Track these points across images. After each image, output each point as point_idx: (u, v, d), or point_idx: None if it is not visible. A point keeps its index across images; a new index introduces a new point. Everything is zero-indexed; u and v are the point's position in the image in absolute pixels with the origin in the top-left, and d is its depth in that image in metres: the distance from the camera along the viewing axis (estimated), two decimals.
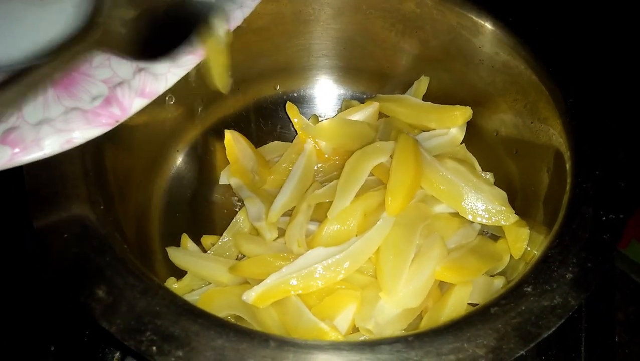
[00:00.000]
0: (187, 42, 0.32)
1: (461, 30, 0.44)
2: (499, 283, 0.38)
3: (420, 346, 0.27)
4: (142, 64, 0.31)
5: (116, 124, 0.30)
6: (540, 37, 0.41)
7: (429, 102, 0.47)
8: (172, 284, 0.40)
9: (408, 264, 0.36)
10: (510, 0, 0.43)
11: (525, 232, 0.38)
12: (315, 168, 0.46)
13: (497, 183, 0.43)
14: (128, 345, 0.27)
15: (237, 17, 0.35)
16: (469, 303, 0.36)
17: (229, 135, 0.45)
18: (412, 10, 0.45)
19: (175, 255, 0.41)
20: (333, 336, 0.33)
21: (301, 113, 0.48)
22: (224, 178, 0.47)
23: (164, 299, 0.28)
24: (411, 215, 0.38)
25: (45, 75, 0.29)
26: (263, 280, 0.35)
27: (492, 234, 0.42)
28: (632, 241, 0.51)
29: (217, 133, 0.48)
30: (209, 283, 0.40)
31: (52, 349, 0.40)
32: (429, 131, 0.46)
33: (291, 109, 0.47)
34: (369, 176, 0.40)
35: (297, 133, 0.48)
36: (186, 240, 0.43)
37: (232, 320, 0.35)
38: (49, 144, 0.28)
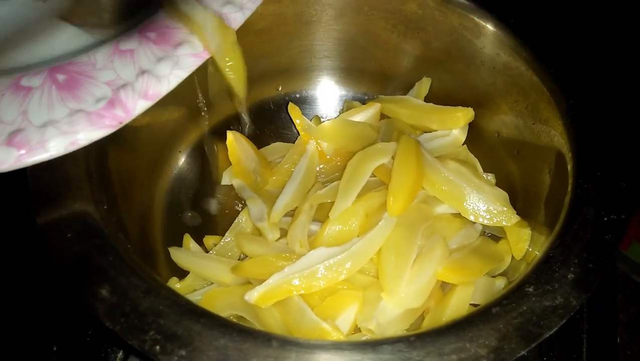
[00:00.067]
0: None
1: (463, 32, 0.44)
2: (500, 283, 0.38)
3: (422, 346, 0.27)
4: (145, 66, 0.31)
5: (120, 126, 0.30)
6: (541, 39, 0.41)
7: (431, 103, 0.47)
8: (175, 284, 0.40)
9: (410, 265, 0.36)
10: (511, 2, 0.43)
11: (526, 232, 0.38)
12: (317, 169, 0.46)
13: (499, 184, 0.43)
14: (131, 344, 0.27)
15: (238, 19, 0.36)
16: (470, 304, 0.36)
17: (231, 136, 0.45)
18: (414, 11, 0.45)
19: (178, 255, 0.41)
20: (335, 336, 0.33)
21: (303, 114, 0.48)
22: (226, 179, 0.47)
23: (167, 299, 0.29)
24: (413, 215, 0.38)
25: None
26: (265, 280, 0.35)
27: (493, 235, 0.42)
28: (633, 242, 0.51)
29: (219, 134, 0.48)
30: (211, 283, 0.41)
31: (55, 349, 0.40)
32: (430, 132, 0.46)
33: (293, 110, 0.47)
34: (370, 177, 0.41)
35: (299, 134, 0.48)
36: (188, 240, 0.43)
37: (234, 320, 0.35)
38: (54, 146, 0.29)
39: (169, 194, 0.46)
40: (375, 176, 0.41)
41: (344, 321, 0.35)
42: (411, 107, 0.47)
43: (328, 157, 0.47)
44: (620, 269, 0.50)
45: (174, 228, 0.44)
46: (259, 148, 0.48)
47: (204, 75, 0.41)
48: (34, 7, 0.36)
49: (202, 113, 0.47)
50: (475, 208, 0.38)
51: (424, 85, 0.49)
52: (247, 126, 0.44)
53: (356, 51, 0.50)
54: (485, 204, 0.38)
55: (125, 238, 0.33)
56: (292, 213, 0.43)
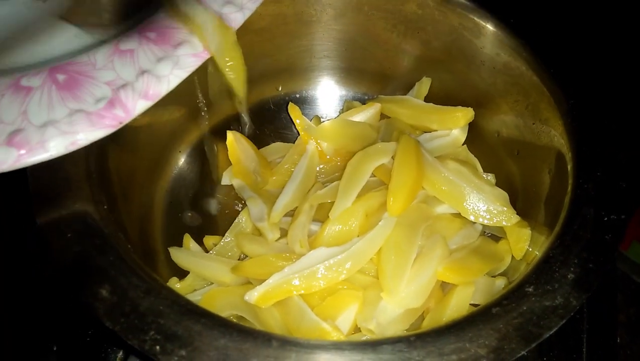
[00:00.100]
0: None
1: (463, 32, 0.44)
2: (500, 283, 0.38)
3: (422, 346, 0.27)
4: (145, 66, 0.31)
5: (120, 126, 0.30)
6: (541, 39, 0.41)
7: (431, 103, 0.47)
8: (175, 284, 0.40)
9: (410, 265, 0.36)
10: (511, 2, 0.43)
11: (526, 232, 0.38)
12: (317, 169, 0.46)
13: (499, 184, 0.43)
14: (132, 344, 0.27)
15: (238, 19, 0.36)
16: (470, 304, 0.36)
17: (231, 136, 0.45)
18: (413, 11, 0.45)
19: (178, 255, 0.41)
20: (335, 336, 0.33)
21: (303, 114, 0.48)
22: (226, 179, 0.47)
23: (167, 299, 0.29)
24: (413, 215, 0.38)
25: None
26: (265, 280, 0.35)
27: (493, 235, 0.42)
28: (633, 242, 0.51)
29: (219, 134, 0.48)
30: (211, 284, 0.41)
31: (55, 348, 0.40)
32: (430, 132, 0.46)
33: (293, 110, 0.48)
34: (370, 177, 0.41)
35: (299, 134, 0.48)
36: (188, 241, 0.43)
37: (235, 320, 0.35)
38: (54, 146, 0.29)
39: (169, 194, 0.46)
40: (375, 176, 0.41)
41: (344, 321, 0.35)
42: (411, 107, 0.47)
43: (328, 157, 0.47)
44: (621, 269, 0.50)
45: (174, 228, 0.44)
46: (259, 148, 0.48)
47: (204, 75, 0.41)
48: (34, 7, 0.36)
49: (202, 114, 0.47)
50: (475, 208, 0.38)
51: (424, 85, 0.49)
52: (247, 126, 0.44)
53: (356, 51, 0.50)
54: (485, 204, 0.38)
55: (125, 238, 0.33)
56: (292, 213, 0.43)
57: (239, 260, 0.42)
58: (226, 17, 0.35)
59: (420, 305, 0.35)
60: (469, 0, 0.43)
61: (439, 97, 0.47)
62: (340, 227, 0.39)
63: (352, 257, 0.35)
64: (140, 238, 0.40)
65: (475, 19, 0.43)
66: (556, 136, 0.38)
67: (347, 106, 0.51)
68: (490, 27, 0.42)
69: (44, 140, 0.28)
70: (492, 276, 0.39)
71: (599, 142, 0.35)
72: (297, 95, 0.53)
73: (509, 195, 0.39)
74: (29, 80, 0.30)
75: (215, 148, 0.49)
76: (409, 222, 0.38)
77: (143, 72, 0.31)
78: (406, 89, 0.50)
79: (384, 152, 0.41)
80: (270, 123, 0.52)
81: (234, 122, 0.49)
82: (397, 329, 0.35)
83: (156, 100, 0.32)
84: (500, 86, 0.44)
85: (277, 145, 0.50)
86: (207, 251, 0.43)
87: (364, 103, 0.50)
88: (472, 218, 0.38)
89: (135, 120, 0.31)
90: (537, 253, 0.34)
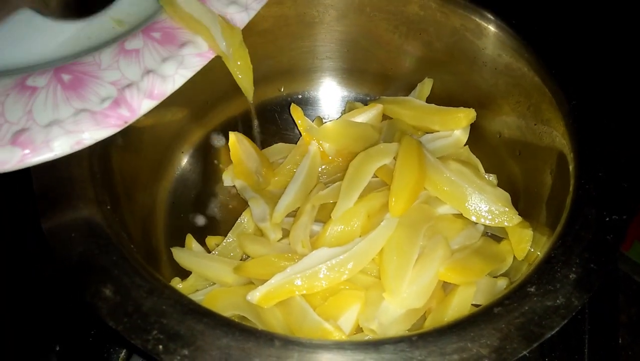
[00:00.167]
0: None
1: (464, 33, 0.44)
2: (502, 284, 0.38)
3: (424, 346, 0.27)
4: (150, 66, 0.31)
5: (125, 125, 0.30)
6: (543, 40, 0.41)
7: (433, 104, 0.47)
8: (177, 284, 0.40)
9: (411, 265, 0.36)
10: (513, 3, 0.43)
11: (528, 233, 0.38)
12: (319, 169, 0.46)
13: (501, 184, 0.43)
14: (134, 343, 0.27)
15: (243, 19, 0.36)
16: (472, 304, 0.36)
17: (234, 137, 0.45)
18: (415, 12, 0.45)
19: (180, 256, 0.41)
20: (337, 336, 0.33)
21: (305, 115, 0.48)
22: (228, 180, 0.48)
23: (170, 298, 0.29)
24: (415, 216, 0.38)
25: None
26: (267, 280, 0.35)
27: (495, 235, 0.42)
28: (634, 243, 0.51)
29: (222, 135, 0.48)
30: (214, 284, 0.41)
31: (58, 348, 0.40)
32: (432, 133, 0.47)
33: (295, 111, 0.48)
34: (372, 177, 0.41)
35: (301, 135, 0.48)
36: (191, 241, 0.43)
37: (237, 320, 0.35)
38: (59, 145, 0.29)
39: (171, 195, 0.46)
40: (377, 177, 0.41)
41: (346, 321, 0.35)
42: (413, 108, 0.47)
43: (330, 157, 0.47)
44: (622, 270, 0.50)
45: (176, 228, 0.45)
46: (261, 148, 0.48)
47: (207, 76, 0.41)
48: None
49: (205, 114, 0.47)
50: (477, 208, 0.38)
51: (425, 86, 0.49)
52: (256, 126, 0.44)
53: (358, 52, 0.50)
54: (487, 205, 0.38)
55: (128, 238, 0.33)
56: (294, 214, 0.43)
57: (241, 260, 0.42)
58: (231, 17, 0.35)
59: (422, 305, 0.35)
60: (470, 1, 0.43)
61: (441, 98, 0.48)
62: (342, 227, 0.39)
63: (354, 257, 0.35)
64: (143, 239, 0.40)
65: (477, 20, 0.43)
66: (558, 137, 0.38)
67: (349, 107, 0.51)
68: (492, 28, 0.43)
69: (48, 139, 0.29)
70: (494, 277, 0.39)
71: (600, 143, 0.35)
72: (300, 96, 0.53)
73: (510, 195, 0.39)
74: (35, 80, 0.30)
75: (218, 148, 0.49)
76: (411, 222, 0.38)
77: (148, 72, 0.31)
78: (408, 89, 0.50)
79: (386, 152, 0.41)
80: (273, 124, 0.52)
81: (236, 123, 0.50)
82: (399, 329, 0.35)
83: (161, 99, 0.32)
84: (502, 87, 0.44)
85: (279, 146, 0.50)
86: (209, 251, 0.43)
87: (366, 104, 0.50)
88: (473, 218, 0.38)
89: (138, 121, 0.31)
90: (539, 253, 0.34)
